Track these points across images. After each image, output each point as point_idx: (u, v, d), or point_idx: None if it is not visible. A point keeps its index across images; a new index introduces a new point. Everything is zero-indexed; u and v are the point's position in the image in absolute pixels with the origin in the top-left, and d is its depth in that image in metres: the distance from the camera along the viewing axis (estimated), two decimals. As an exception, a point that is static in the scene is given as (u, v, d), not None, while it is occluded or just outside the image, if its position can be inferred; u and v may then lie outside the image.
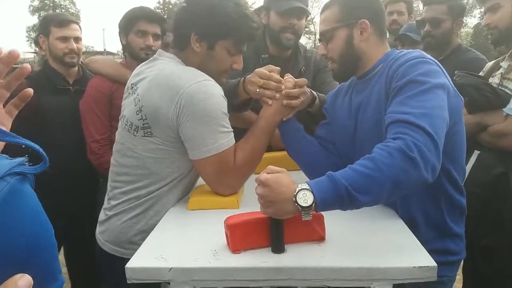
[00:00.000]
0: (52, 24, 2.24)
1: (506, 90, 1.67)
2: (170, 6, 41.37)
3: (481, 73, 1.85)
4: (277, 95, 1.46)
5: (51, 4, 40.56)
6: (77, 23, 2.33)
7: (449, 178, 1.30)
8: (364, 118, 1.35)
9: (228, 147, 1.38)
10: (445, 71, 1.23)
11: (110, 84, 2.13)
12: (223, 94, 1.40)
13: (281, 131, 1.54)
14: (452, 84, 1.25)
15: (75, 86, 2.25)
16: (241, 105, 1.66)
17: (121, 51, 2.35)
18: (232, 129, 1.41)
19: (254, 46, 1.97)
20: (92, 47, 40.09)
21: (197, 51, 1.43)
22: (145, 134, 1.39)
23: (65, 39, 2.22)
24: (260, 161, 1.50)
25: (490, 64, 1.92)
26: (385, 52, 1.36)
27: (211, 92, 1.34)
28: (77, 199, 2.23)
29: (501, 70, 1.77)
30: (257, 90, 1.49)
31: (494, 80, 1.76)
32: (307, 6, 1.97)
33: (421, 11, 2.48)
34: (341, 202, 1.01)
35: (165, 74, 1.39)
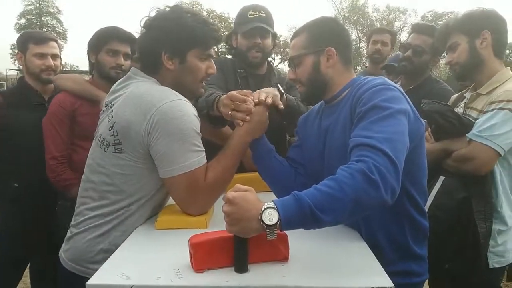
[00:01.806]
0: (30, 41, 2.26)
1: (470, 118, 1.74)
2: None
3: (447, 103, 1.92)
4: (248, 117, 1.50)
5: (38, 23, 40.53)
6: (56, 41, 2.35)
7: (411, 200, 1.34)
8: (331, 141, 1.39)
9: (199, 166, 1.40)
10: (406, 97, 1.29)
11: (73, 100, 2.13)
12: (196, 114, 1.43)
13: (252, 150, 1.58)
14: (414, 109, 1.30)
15: (50, 102, 2.23)
16: (220, 118, 1.69)
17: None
18: (203, 149, 1.43)
19: (231, 64, 2.13)
20: (77, 66, 40.03)
21: (171, 68, 1.47)
22: (115, 150, 1.41)
23: (42, 55, 2.24)
24: (230, 180, 1.52)
25: (455, 95, 2.02)
26: (351, 78, 1.42)
27: (184, 111, 1.37)
28: (48, 217, 2.20)
29: (465, 100, 1.85)
30: (229, 112, 1.52)
31: (459, 110, 1.83)
32: (271, 26, 2.10)
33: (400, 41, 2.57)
34: (304, 221, 1.04)
35: (140, 92, 1.41)
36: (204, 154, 1.43)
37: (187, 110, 1.38)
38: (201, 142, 1.43)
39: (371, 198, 1.05)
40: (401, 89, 1.30)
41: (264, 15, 2.08)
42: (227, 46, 2.29)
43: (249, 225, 1.04)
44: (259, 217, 1.02)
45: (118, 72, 2.09)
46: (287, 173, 1.56)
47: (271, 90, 1.60)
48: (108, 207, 1.44)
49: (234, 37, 2.16)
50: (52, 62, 2.26)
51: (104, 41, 2.12)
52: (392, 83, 1.31)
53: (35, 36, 2.32)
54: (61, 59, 2.62)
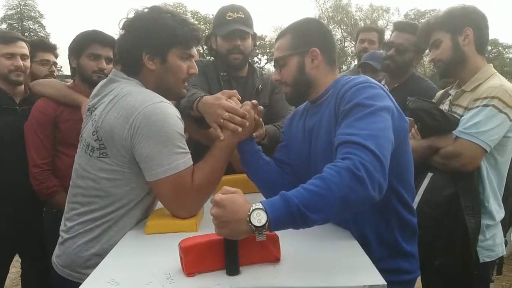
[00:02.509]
0: None
1: (455, 115, 1.76)
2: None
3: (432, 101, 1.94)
4: (240, 129, 1.48)
5: (20, 28, 39.95)
6: (25, 41, 2.29)
7: (399, 197, 1.35)
8: (317, 141, 1.40)
9: (185, 167, 1.39)
10: (389, 94, 1.30)
11: (55, 106, 2.10)
12: (179, 116, 1.42)
13: (239, 152, 1.57)
14: (397, 107, 1.31)
15: (22, 105, 2.21)
16: (203, 119, 1.65)
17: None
18: (188, 151, 1.42)
19: (214, 67, 2.11)
20: (61, 71, 39.57)
21: (152, 69, 1.46)
22: (101, 155, 1.39)
23: (11, 56, 2.18)
24: (219, 182, 1.51)
25: (440, 92, 2.03)
26: (335, 78, 1.43)
27: (167, 113, 1.36)
28: (24, 223, 2.19)
29: (449, 97, 1.86)
30: (222, 121, 1.50)
31: (444, 107, 1.85)
32: (250, 27, 2.08)
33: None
34: (293, 221, 1.04)
35: (122, 95, 1.40)
36: (190, 155, 1.42)
37: (169, 112, 1.37)
38: (186, 144, 1.41)
39: (358, 195, 1.06)
40: (384, 87, 1.32)
41: (243, 16, 2.05)
42: (206, 47, 2.27)
43: (238, 227, 1.03)
44: (248, 218, 1.01)
45: (100, 76, 2.05)
46: (275, 173, 1.56)
47: None
48: (97, 212, 1.42)
49: (214, 39, 2.14)
50: (21, 63, 2.19)
51: (85, 45, 2.09)
52: (374, 81, 1.32)
53: (2, 36, 2.24)
54: (55, 63, 2.60)
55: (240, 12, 2.05)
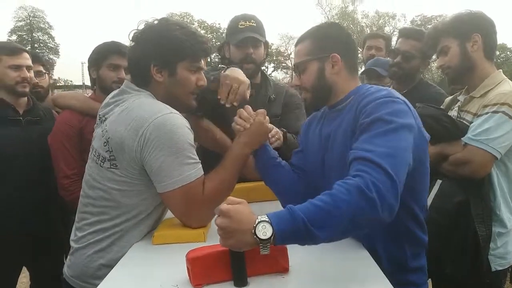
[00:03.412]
0: (2, 52, 2.17)
1: (464, 122, 1.74)
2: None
3: (441, 107, 1.93)
4: (248, 125, 1.51)
5: (29, 39, 40.52)
6: (28, 52, 2.30)
7: (412, 216, 1.32)
8: (332, 148, 1.37)
9: (196, 178, 1.38)
10: (413, 111, 1.25)
11: (79, 117, 2.12)
12: (189, 127, 1.42)
13: (255, 157, 1.58)
14: (420, 124, 1.26)
15: (26, 116, 2.22)
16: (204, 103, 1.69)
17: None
18: (199, 161, 1.42)
19: None
20: (71, 81, 40.01)
21: (160, 81, 1.46)
22: (111, 166, 1.40)
23: (17, 67, 2.17)
24: (230, 193, 1.49)
25: (448, 98, 2.02)
26: (356, 85, 1.39)
27: (177, 124, 1.36)
28: (30, 230, 2.18)
29: (458, 104, 1.85)
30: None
31: (453, 113, 1.83)
32: (262, 35, 2.12)
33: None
34: (298, 236, 1.01)
35: (133, 107, 1.40)
36: (201, 166, 1.42)
37: (179, 123, 1.37)
38: (196, 154, 1.41)
39: (367, 216, 1.03)
40: (408, 102, 1.26)
41: (255, 24, 2.09)
42: (219, 57, 2.30)
43: (243, 238, 1.01)
44: (253, 230, 0.99)
45: (119, 87, 2.09)
46: (292, 179, 1.55)
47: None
48: (107, 222, 1.43)
49: (227, 48, 2.17)
50: (28, 74, 2.20)
51: (105, 56, 2.13)
52: (399, 95, 1.27)
53: (6, 47, 2.24)
54: (50, 74, 2.62)
55: (252, 21, 2.09)
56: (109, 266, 1.31)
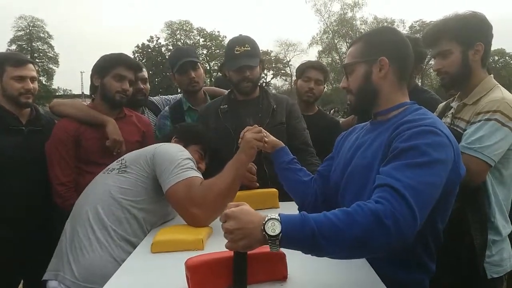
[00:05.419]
0: (7, 63, 2.20)
1: (458, 129, 1.75)
2: (149, 50, 42.32)
3: (434, 113, 1.94)
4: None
5: (29, 48, 40.61)
6: (33, 63, 2.33)
7: (425, 248, 1.30)
8: (359, 158, 1.36)
9: (194, 176, 1.61)
10: (454, 144, 1.22)
11: (77, 125, 2.15)
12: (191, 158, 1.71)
13: (273, 159, 1.74)
14: (458, 157, 1.23)
15: (28, 126, 2.24)
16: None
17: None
18: (199, 172, 1.65)
19: (213, 104, 2.39)
20: (70, 90, 40.06)
21: None
22: (119, 172, 1.67)
23: (21, 78, 2.20)
24: (229, 199, 1.58)
25: (441, 105, 2.01)
26: (404, 100, 1.37)
27: (181, 147, 1.73)
28: (30, 238, 2.19)
29: (452, 110, 1.85)
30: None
31: (446, 120, 1.83)
32: (257, 56, 2.29)
33: None
34: (304, 242, 1.01)
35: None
36: (200, 174, 1.63)
37: (178, 146, 1.75)
38: (195, 167, 1.67)
39: (377, 243, 1.01)
40: (450, 135, 1.22)
41: (249, 48, 2.24)
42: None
43: (253, 236, 1.02)
44: (262, 227, 1.00)
45: (122, 97, 2.20)
46: (301, 183, 1.64)
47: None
48: (114, 231, 1.55)
49: (226, 68, 2.34)
50: (31, 85, 2.23)
51: (112, 66, 2.19)
52: (443, 125, 1.24)
53: (12, 58, 2.26)
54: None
55: (246, 45, 2.23)
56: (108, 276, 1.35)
